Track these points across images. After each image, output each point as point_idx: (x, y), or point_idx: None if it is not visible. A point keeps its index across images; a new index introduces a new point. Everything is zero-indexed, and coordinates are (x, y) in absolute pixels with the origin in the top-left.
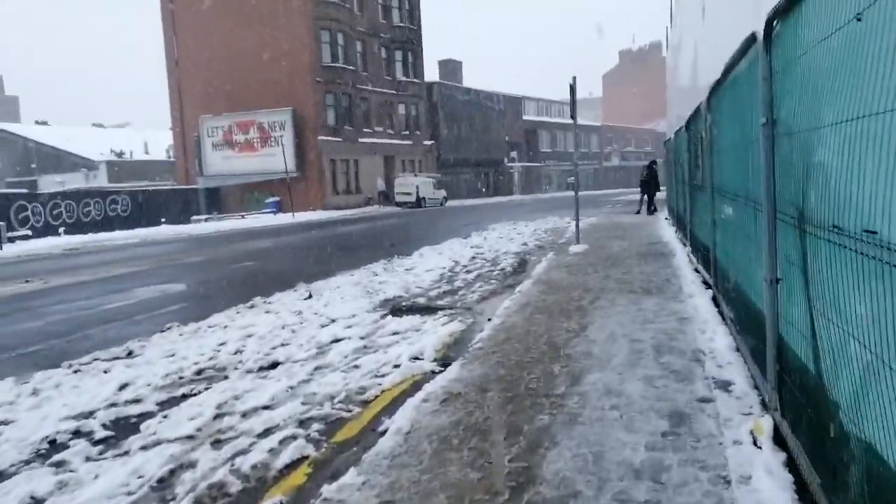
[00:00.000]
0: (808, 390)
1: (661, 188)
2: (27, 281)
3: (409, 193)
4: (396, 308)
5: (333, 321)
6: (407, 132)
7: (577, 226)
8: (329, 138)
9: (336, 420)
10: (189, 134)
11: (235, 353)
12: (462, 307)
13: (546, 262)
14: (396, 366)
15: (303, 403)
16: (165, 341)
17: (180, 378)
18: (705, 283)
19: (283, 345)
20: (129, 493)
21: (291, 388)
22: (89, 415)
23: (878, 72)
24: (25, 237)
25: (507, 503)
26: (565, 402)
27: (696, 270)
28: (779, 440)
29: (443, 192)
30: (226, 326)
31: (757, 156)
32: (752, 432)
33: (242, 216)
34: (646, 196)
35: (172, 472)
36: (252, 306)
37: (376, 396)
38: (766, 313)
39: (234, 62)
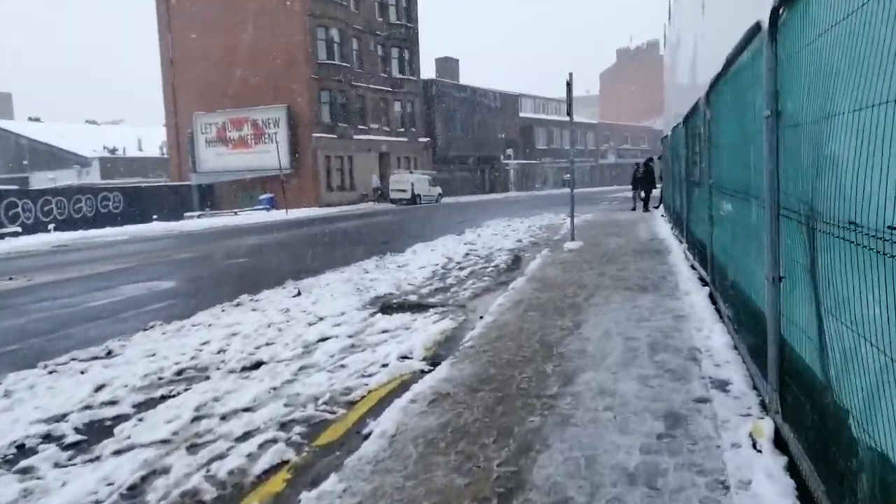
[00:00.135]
0: (813, 393)
1: (657, 185)
2: (11, 278)
3: (404, 190)
4: (387, 306)
5: (321, 319)
6: (402, 129)
7: (573, 222)
8: (324, 135)
9: (319, 422)
10: (183, 130)
11: (218, 352)
12: (454, 305)
13: (540, 259)
14: (384, 365)
15: (285, 405)
16: (147, 340)
17: (160, 379)
18: (702, 280)
19: (268, 344)
20: (97, 502)
21: (274, 388)
22: (62, 418)
23: None
24: (15, 234)
25: None
26: (557, 403)
27: (693, 267)
28: (779, 443)
29: (438, 189)
30: (210, 325)
31: (759, 150)
32: (751, 435)
33: (235, 213)
34: (642, 193)
35: (144, 479)
36: (238, 304)
37: (362, 397)
38: (767, 313)
39: (228, 59)
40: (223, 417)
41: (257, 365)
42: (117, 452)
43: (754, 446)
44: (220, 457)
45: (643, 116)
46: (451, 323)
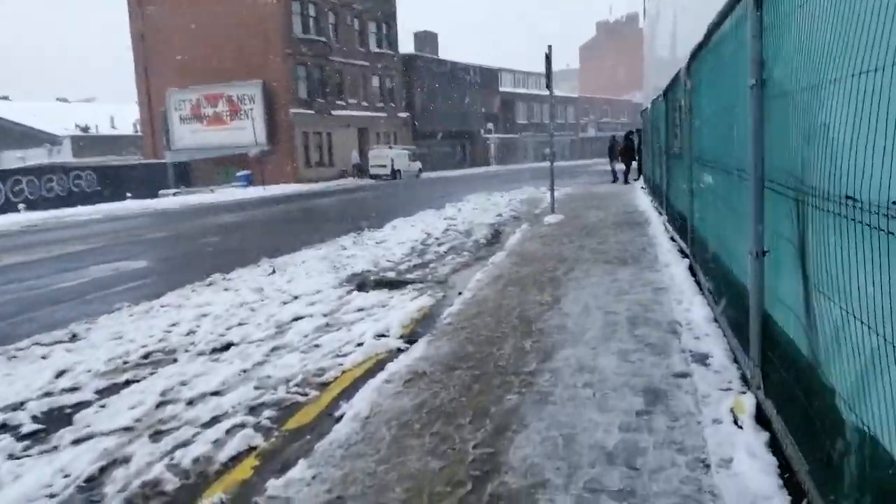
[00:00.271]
0: (798, 370)
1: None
2: None
3: (384, 166)
4: (364, 283)
5: (296, 298)
6: (381, 104)
7: (553, 196)
8: (301, 111)
9: (290, 405)
10: (156, 108)
11: (188, 334)
12: (433, 281)
13: (520, 233)
14: (360, 344)
15: (255, 388)
16: (113, 323)
17: (125, 363)
18: (681, 252)
19: (239, 324)
20: (52, 496)
21: (245, 371)
22: (19, 406)
23: None
24: None
25: (468, 496)
26: (536, 381)
27: (673, 239)
28: (761, 419)
29: (418, 165)
30: (180, 306)
31: (742, 121)
32: (732, 410)
33: (212, 190)
34: (621, 164)
35: (103, 470)
36: (210, 284)
37: (336, 378)
38: (749, 287)
39: (201, 34)
40: (190, 402)
41: (227, 346)
42: (76, 442)
43: (735, 422)
44: (185, 444)
45: (623, 90)
46: (429, 300)
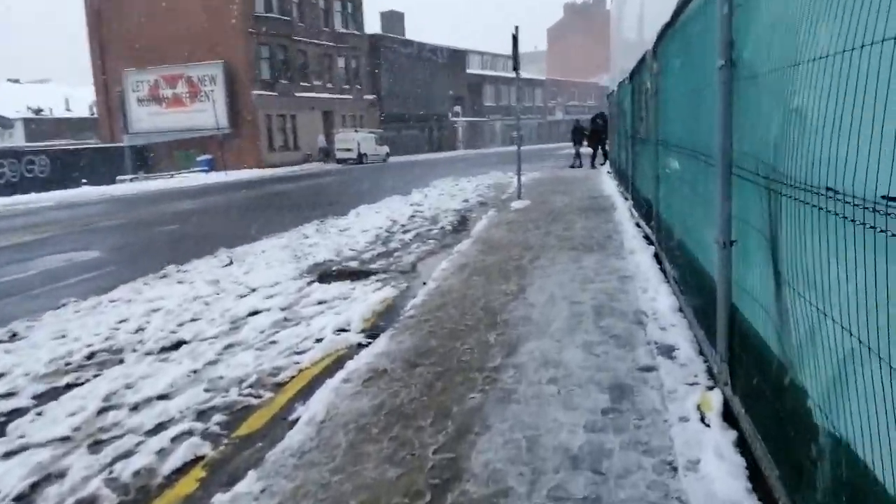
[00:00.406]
0: (767, 368)
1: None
2: None
3: (349, 150)
4: (325, 274)
5: (253, 291)
6: (347, 86)
7: (519, 181)
8: (264, 93)
9: (242, 409)
10: (112, 89)
11: (137, 331)
12: (397, 270)
13: (487, 220)
14: (319, 340)
15: (206, 390)
16: (57, 320)
17: (67, 364)
18: (647, 238)
19: (192, 320)
20: None
21: (195, 371)
22: None
23: None
24: None
25: None
26: (500, 377)
27: (638, 225)
28: (728, 416)
29: (385, 149)
30: (130, 300)
31: (710, 104)
32: (699, 407)
33: (172, 175)
34: (591, 149)
35: (35, 486)
36: (164, 276)
37: (292, 378)
38: (716, 278)
39: (159, 12)
40: (134, 408)
41: (178, 345)
42: (7, 455)
43: (702, 420)
44: (127, 455)
45: (590, 72)
46: (392, 291)
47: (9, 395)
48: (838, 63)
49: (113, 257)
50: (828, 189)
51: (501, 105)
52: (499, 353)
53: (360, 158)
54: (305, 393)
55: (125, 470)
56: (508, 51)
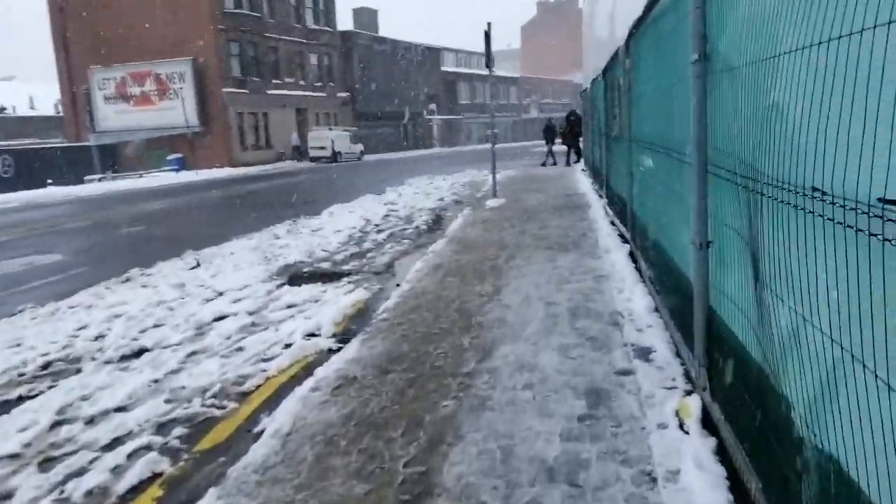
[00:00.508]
0: (748, 374)
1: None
2: None
3: (323, 148)
4: (296, 276)
5: (220, 294)
6: (320, 84)
7: (494, 179)
8: (234, 90)
9: (204, 421)
10: (78, 86)
11: (96, 338)
12: (370, 271)
13: (462, 219)
14: (288, 345)
15: (167, 401)
16: (12, 328)
17: (20, 375)
18: (622, 236)
19: (155, 326)
20: None
21: (156, 381)
22: None
23: None
24: None
25: None
26: (474, 383)
27: (613, 223)
28: (707, 423)
29: (360, 147)
30: (90, 306)
31: (683, 100)
32: (677, 413)
33: (140, 175)
34: (565, 147)
35: None
36: (127, 280)
37: (258, 386)
38: (693, 280)
39: (125, 8)
40: (90, 421)
41: (139, 353)
42: None
43: (681, 427)
44: (79, 473)
45: (564, 70)
46: (365, 293)
47: None
48: (825, 52)
49: (76, 260)
50: (814, 189)
51: (476, 103)
52: (473, 357)
53: (335, 157)
54: (272, 403)
55: (77, 490)
56: (482, 48)
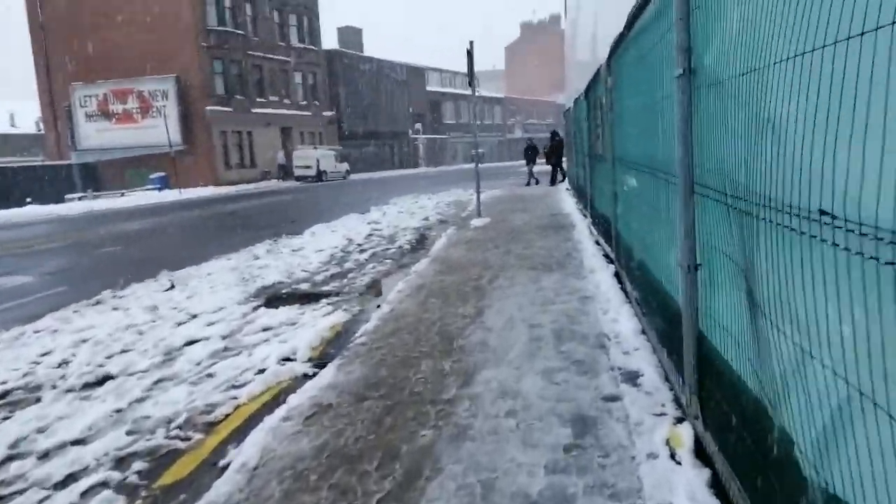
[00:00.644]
0: (743, 406)
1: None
2: None
3: (308, 167)
4: (274, 297)
5: (194, 317)
6: (305, 102)
7: (478, 199)
8: (218, 108)
9: (167, 454)
10: (59, 104)
11: (59, 365)
12: (350, 292)
13: (446, 238)
14: (261, 371)
15: (128, 433)
16: None
17: None
18: (607, 256)
19: (122, 352)
20: None
21: (118, 411)
22: None
23: None
24: None
25: None
26: (454, 410)
27: (598, 243)
28: (700, 453)
29: (345, 166)
30: (56, 330)
31: (668, 118)
32: (668, 442)
33: (122, 194)
34: (549, 167)
35: None
36: (98, 302)
37: (227, 416)
38: (682, 304)
39: (107, 25)
40: (44, 455)
41: (104, 380)
42: None
43: (672, 457)
44: None
45: (548, 91)
46: (344, 315)
47: None
48: (830, 56)
49: (46, 283)
50: (821, 213)
51: (462, 122)
52: (454, 382)
53: (320, 176)
54: (241, 433)
55: None
56: (466, 68)
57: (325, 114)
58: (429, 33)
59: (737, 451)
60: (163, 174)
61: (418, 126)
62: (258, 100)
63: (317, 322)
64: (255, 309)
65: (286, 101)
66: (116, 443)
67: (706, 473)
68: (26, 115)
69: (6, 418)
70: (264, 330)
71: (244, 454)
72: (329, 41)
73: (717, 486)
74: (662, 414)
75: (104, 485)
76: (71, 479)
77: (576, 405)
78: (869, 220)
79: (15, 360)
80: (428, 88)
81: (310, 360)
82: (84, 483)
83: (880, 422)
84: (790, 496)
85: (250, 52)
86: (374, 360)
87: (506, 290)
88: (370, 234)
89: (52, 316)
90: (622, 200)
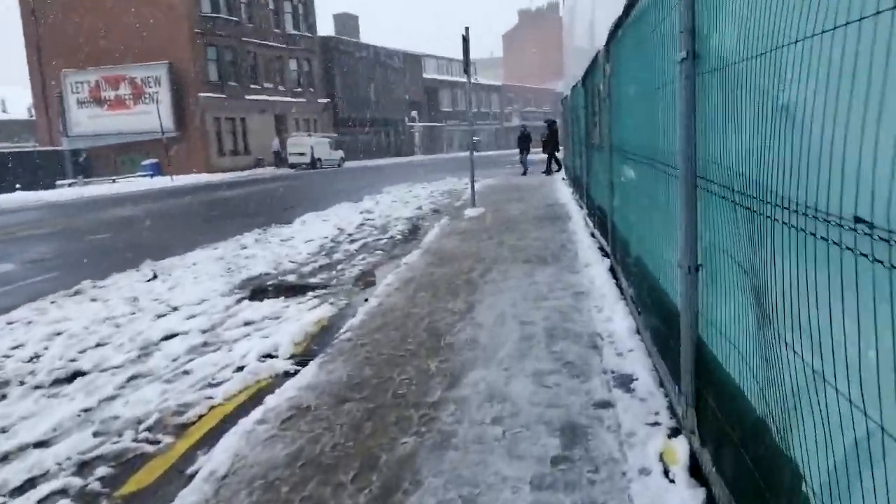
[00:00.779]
0: (745, 426)
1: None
2: None
3: (302, 154)
4: (259, 289)
5: (175, 310)
6: (300, 89)
7: (473, 188)
8: (211, 95)
9: (133, 458)
10: (51, 90)
11: (30, 360)
12: (338, 285)
13: (438, 229)
14: (240, 368)
15: (95, 434)
16: None
17: None
18: (602, 249)
19: (97, 345)
20: None
21: (86, 410)
22: None
23: None
24: None
25: None
26: (438, 415)
27: (593, 235)
28: (695, 471)
29: (340, 153)
30: (31, 322)
31: (669, 105)
32: (661, 457)
33: (114, 180)
34: (545, 155)
35: None
36: (77, 293)
37: (200, 417)
38: (680, 308)
39: (99, 10)
40: (3, 458)
41: (74, 376)
42: None
43: (666, 474)
44: None
45: (546, 78)
46: (330, 309)
47: None
48: (871, 30)
49: (27, 271)
50: (857, 220)
51: (458, 110)
52: (439, 384)
53: (314, 163)
54: (213, 437)
55: None
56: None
57: (320, 101)
58: (426, 20)
59: (736, 476)
60: (155, 161)
61: (414, 114)
62: (252, 86)
63: (302, 316)
64: (239, 301)
65: (281, 87)
66: (81, 445)
67: (701, 494)
68: (18, 101)
69: None
70: (246, 324)
71: (214, 461)
72: (325, 28)
73: None
74: (656, 423)
75: (63, 492)
76: (29, 485)
77: (566, 412)
78: None
79: None
80: (424, 76)
81: (292, 356)
82: (42, 490)
83: None
84: None
85: (244, 39)
86: (359, 357)
87: (498, 284)
88: (362, 224)
89: (29, 307)
90: (619, 192)
